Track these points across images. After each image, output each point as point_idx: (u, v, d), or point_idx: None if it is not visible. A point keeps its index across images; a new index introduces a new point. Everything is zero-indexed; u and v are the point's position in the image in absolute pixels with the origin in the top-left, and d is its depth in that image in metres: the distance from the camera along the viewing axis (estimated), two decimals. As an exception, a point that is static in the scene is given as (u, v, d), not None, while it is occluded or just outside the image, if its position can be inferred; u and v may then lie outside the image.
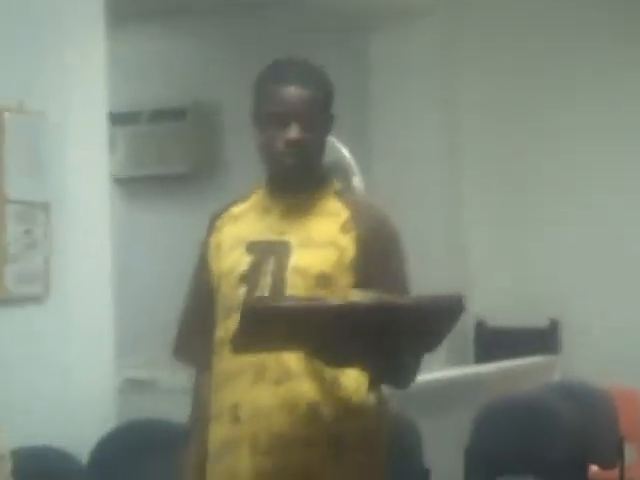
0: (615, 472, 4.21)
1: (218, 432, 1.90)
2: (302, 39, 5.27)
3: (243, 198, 2.04)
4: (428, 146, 5.44)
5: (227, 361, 1.85)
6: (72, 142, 3.50)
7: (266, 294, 1.85)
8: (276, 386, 1.83)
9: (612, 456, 4.18)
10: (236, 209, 2.02)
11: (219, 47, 5.96)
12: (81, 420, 3.33)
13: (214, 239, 2.00)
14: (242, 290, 1.87)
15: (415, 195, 5.31)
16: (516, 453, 3.90)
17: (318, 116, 1.90)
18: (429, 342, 1.71)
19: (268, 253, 1.90)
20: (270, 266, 1.88)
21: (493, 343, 5.36)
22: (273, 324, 1.60)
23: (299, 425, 1.83)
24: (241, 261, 1.90)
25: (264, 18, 5.58)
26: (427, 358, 3.71)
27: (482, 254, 5.55)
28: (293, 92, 1.88)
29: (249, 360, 1.79)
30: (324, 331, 1.61)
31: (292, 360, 1.79)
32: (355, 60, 5.59)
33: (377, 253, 1.89)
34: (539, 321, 5.30)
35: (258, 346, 1.70)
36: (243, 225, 1.98)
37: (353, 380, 1.85)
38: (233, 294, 1.88)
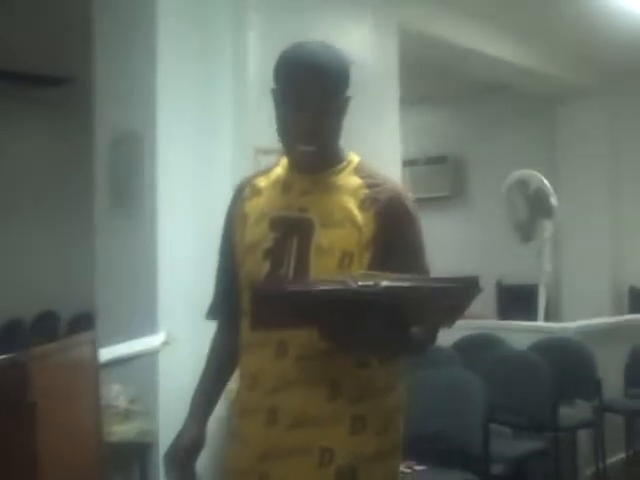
0: None
1: (239, 396, 1.75)
2: (511, 112, 7.26)
3: (265, 171, 1.82)
4: (597, 183, 7.01)
5: (248, 331, 1.69)
6: None
7: (290, 272, 1.65)
8: (297, 362, 1.63)
9: None
10: (261, 182, 1.79)
11: (467, 118, 7.81)
12: None
13: (239, 210, 1.78)
14: (266, 265, 1.68)
15: (588, 211, 7.02)
16: None
17: (333, 100, 1.67)
18: (444, 318, 1.51)
19: (291, 230, 1.69)
20: (294, 244, 1.67)
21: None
22: (280, 307, 1.47)
23: (320, 402, 1.63)
24: (265, 236, 1.70)
25: (490, 99, 7.42)
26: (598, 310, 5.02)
27: (634, 245, 7.02)
28: (309, 75, 1.64)
29: (270, 335, 1.62)
30: (332, 315, 1.43)
31: (312, 338, 1.53)
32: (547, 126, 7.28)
33: (395, 230, 1.68)
34: None
35: (272, 325, 1.56)
36: (266, 199, 1.76)
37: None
38: (257, 268, 1.69)
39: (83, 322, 6.11)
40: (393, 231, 1.68)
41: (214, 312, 1.89)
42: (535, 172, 5.54)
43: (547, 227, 5.45)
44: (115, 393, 3.01)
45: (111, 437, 2.85)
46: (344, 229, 1.67)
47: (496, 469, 3.47)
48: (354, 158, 1.78)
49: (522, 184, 5.51)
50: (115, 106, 3.67)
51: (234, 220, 1.80)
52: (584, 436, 4.53)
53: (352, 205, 1.69)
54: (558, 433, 4.04)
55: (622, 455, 4.99)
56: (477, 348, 4.54)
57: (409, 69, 4.74)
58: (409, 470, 3.28)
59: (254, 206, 1.77)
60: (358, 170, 1.76)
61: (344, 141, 3.89)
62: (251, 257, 1.72)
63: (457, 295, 1.45)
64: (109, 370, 2.74)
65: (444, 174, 7.77)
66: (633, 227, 7.10)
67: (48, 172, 7.51)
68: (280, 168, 1.79)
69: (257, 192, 1.78)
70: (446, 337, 3.58)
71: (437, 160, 7.82)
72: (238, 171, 3.67)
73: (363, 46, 4.39)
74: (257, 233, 1.72)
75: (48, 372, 1.86)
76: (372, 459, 1.65)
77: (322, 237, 1.66)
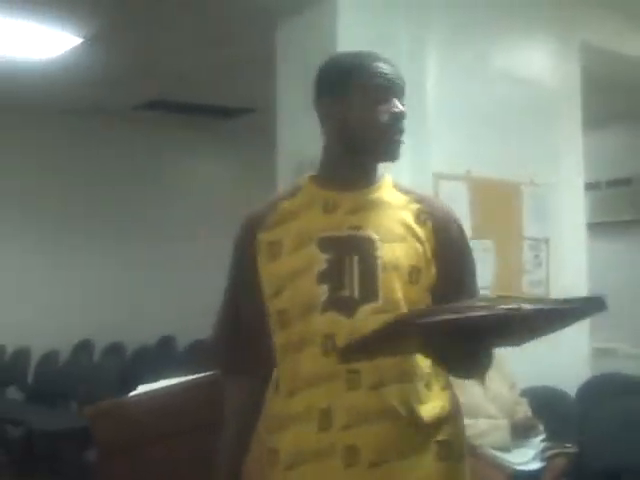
0: None
1: (302, 439, 1.53)
2: None
3: (289, 194, 1.67)
4: None
5: (312, 363, 1.53)
6: (562, 201, 4.23)
7: (356, 292, 1.53)
8: (372, 391, 1.51)
9: None
10: (287, 205, 1.64)
11: None
12: (567, 371, 3.83)
13: (265, 238, 1.61)
14: (323, 289, 1.54)
15: None
16: None
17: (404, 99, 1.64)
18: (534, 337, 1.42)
19: (347, 250, 1.56)
20: (354, 264, 1.55)
21: None
22: (412, 336, 1.34)
23: (401, 432, 1.51)
24: (316, 259, 1.56)
25: None
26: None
27: None
28: (395, 70, 1.63)
29: (340, 365, 1.47)
30: (448, 337, 1.32)
31: (387, 365, 1.48)
32: None
33: (453, 242, 1.62)
34: None
35: (374, 355, 1.42)
36: (303, 221, 1.61)
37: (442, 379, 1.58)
38: (310, 294, 1.54)
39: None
40: (452, 247, 1.63)
41: (238, 366, 1.70)
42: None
43: None
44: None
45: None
46: (407, 243, 1.59)
47: None
48: (387, 175, 1.70)
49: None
50: (297, 135, 3.75)
51: (254, 253, 1.63)
52: None
53: (409, 219, 1.62)
54: None
55: None
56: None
57: (592, 88, 4.59)
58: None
59: (288, 230, 1.61)
60: (396, 186, 1.69)
61: (523, 163, 3.83)
62: (298, 283, 1.56)
63: (579, 316, 1.42)
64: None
65: (629, 197, 7.36)
66: None
67: (234, 195, 7.66)
68: (308, 189, 1.67)
69: (288, 216, 1.63)
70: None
71: (621, 182, 7.42)
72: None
73: (544, 66, 4.32)
74: (303, 257, 1.58)
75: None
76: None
77: (387, 253, 1.57)
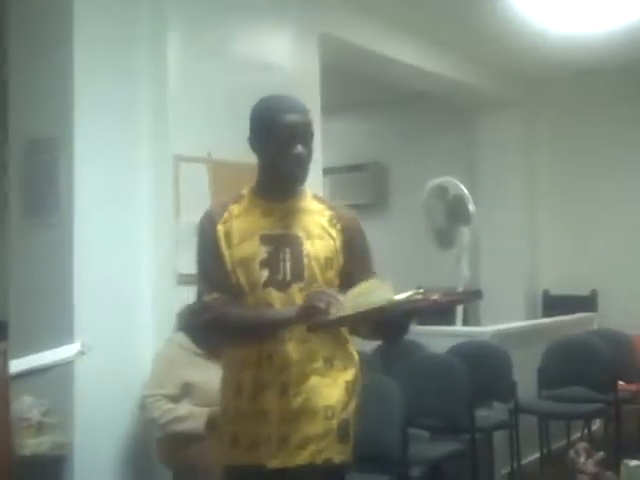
0: (634, 386, 5.12)
1: (250, 375, 2.14)
2: (431, 121, 7.34)
3: (235, 200, 2.23)
4: (514, 191, 7.23)
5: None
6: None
7: (288, 275, 2.12)
8: (301, 344, 2.11)
9: (632, 376, 5.10)
10: (235, 208, 2.20)
11: (387, 126, 7.82)
12: None
13: (222, 229, 2.16)
14: (264, 273, 2.11)
15: (505, 218, 7.15)
16: (570, 372, 4.85)
17: (311, 137, 2.16)
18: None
19: (282, 244, 2.13)
20: (287, 254, 2.12)
21: (554, 305, 6.83)
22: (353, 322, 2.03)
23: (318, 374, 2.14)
24: (259, 250, 2.12)
25: (410, 108, 7.45)
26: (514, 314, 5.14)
27: (548, 253, 7.18)
28: (298, 119, 2.13)
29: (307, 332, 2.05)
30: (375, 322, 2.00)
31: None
32: (465, 135, 7.41)
33: (355, 239, 2.23)
34: (584, 291, 6.76)
35: (329, 330, 2.10)
36: (247, 222, 2.16)
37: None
38: (255, 276, 2.11)
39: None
40: (354, 241, 2.24)
41: (220, 289, 2.16)
42: (453, 179, 5.64)
43: (465, 233, 5.53)
44: (28, 405, 2.95)
45: (23, 450, 2.80)
46: (322, 240, 2.19)
47: (415, 471, 3.54)
48: (307, 188, 2.26)
49: (441, 191, 5.59)
50: (31, 112, 3.59)
51: (216, 237, 2.17)
52: (500, 437, 4.64)
53: (324, 222, 2.21)
54: (475, 434, 4.12)
55: (536, 455, 5.12)
56: (397, 353, 4.57)
57: (330, 77, 4.76)
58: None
59: (235, 227, 2.17)
60: (314, 197, 2.27)
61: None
62: (247, 267, 2.13)
63: (463, 303, 2.25)
64: (22, 381, 2.72)
65: (364, 182, 7.81)
66: (547, 234, 7.30)
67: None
68: (249, 198, 2.24)
69: (235, 216, 2.19)
70: (368, 344, 3.66)
71: (357, 168, 7.86)
72: (158, 179, 3.71)
73: (284, 54, 4.39)
74: (249, 248, 2.15)
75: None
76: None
77: (310, 247, 2.16)
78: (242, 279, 2.14)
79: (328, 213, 2.23)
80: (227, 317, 2.14)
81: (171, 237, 3.65)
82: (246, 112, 3.76)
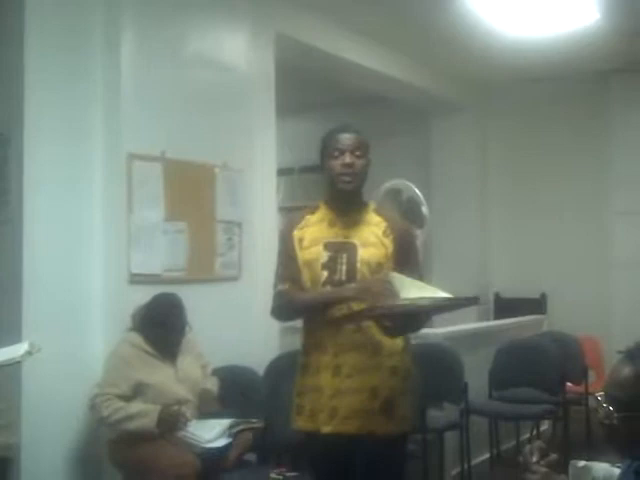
0: (581, 387, 5.30)
1: (313, 358, 2.55)
2: (387, 123, 7.33)
3: (312, 211, 2.65)
4: (467, 194, 7.30)
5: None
6: (255, 186, 4.38)
7: (343, 276, 2.50)
8: (353, 334, 2.49)
9: (580, 377, 5.28)
10: (311, 217, 2.63)
11: None
12: (257, 350, 4.04)
13: (297, 234, 2.59)
14: (324, 274, 2.51)
15: (458, 221, 7.23)
16: (520, 374, 4.93)
17: (364, 153, 2.58)
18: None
19: (341, 250, 2.52)
20: (344, 259, 2.50)
21: (506, 307, 6.94)
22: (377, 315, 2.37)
23: (369, 358, 2.50)
24: (321, 254, 2.52)
25: (366, 110, 7.23)
26: (466, 316, 5.11)
27: (500, 256, 7.30)
28: (345, 136, 2.59)
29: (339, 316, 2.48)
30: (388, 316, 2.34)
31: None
32: (420, 138, 7.47)
33: (406, 248, 2.58)
34: (534, 294, 6.91)
35: (360, 321, 2.48)
36: (317, 230, 2.58)
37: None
38: (316, 276, 2.52)
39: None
40: (405, 249, 2.57)
41: (290, 281, 2.58)
42: (407, 182, 5.70)
43: (418, 236, 5.44)
44: (-27, 406, 2.89)
45: (-31, 452, 2.75)
46: (376, 248, 2.53)
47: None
48: (371, 202, 2.68)
49: (395, 193, 5.67)
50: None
51: (292, 240, 2.59)
52: (451, 437, 4.67)
53: (379, 232, 2.56)
54: (426, 435, 4.15)
55: (486, 455, 5.18)
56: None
57: (286, 78, 4.74)
58: (281, 477, 3.33)
59: (308, 233, 2.58)
60: (374, 210, 2.63)
61: (218, 147, 3.92)
62: (310, 267, 2.54)
63: (460, 307, 2.44)
64: (-34, 382, 2.65)
65: (319, 183, 7.69)
66: (499, 237, 7.40)
67: None
68: (322, 209, 2.63)
69: (310, 224, 2.61)
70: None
71: (312, 169, 7.47)
72: (111, 177, 3.65)
73: (239, 54, 4.37)
74: (314, 252, 2.54)
75: None
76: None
77: (363, 254, 2.51)
78: (306, 277, 2.55)
79: (384, 225, 2.58)
80: (295, 299, 2.56)
81: (124, 236, 3.61)
82: (201, 111, 3.74)
